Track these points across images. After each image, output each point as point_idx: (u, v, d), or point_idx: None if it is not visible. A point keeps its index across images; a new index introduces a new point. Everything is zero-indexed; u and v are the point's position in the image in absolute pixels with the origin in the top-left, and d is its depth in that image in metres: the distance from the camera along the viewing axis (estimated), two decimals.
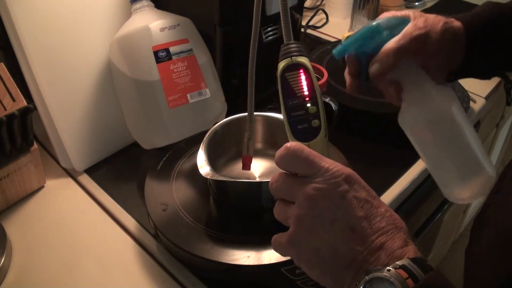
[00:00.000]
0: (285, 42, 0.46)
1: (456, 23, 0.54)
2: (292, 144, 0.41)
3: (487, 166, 0.51)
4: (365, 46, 0.53)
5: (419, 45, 0.52)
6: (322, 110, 0.44)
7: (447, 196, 0.53)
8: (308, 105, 0.44)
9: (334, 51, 0.56)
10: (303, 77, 0.44)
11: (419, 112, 0.52)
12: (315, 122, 0.44)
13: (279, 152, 0.41)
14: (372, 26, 0.54)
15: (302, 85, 0.44)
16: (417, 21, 0.53)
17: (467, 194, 0.51)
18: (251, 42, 0.52)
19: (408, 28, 0.53)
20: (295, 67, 0.44)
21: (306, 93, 0.44)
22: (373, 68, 0.53)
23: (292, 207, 0.41)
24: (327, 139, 0.45)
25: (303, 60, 0.45)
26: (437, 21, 0.54)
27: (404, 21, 0.54)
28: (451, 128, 0.51)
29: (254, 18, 0.50)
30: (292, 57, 0.44)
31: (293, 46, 0.45)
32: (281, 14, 0.45)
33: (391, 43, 0.52)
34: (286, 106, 0.45)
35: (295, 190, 0.40)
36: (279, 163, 0.42)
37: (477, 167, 0.51)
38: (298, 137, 0.44)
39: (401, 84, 0.54)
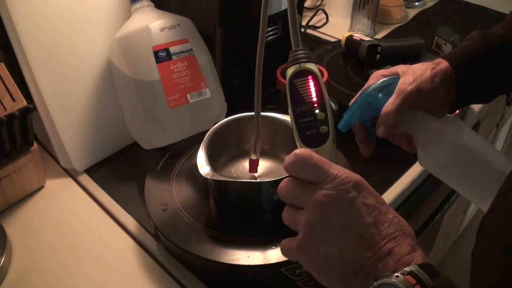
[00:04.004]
0: (293, 48, 0.46)
1: (443, 64, 0.57)
2: (301, 151, 0.41)
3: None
4: (366, 113, 0.57)
5: (414, 98, 0.54)
6: (330, 116, 0.45)
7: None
8: (317, 111, 0.44)
9: (339, 126, 0.58)
10: (311, 84, 0.45)
11: (434, 154, 0.54)
12: (323, 128, 0.44)
13: (288, 158, 0.42)
14: (366, 93, 0.57)
15: (311, 92, 0.45)
16: (406, 77, 0.56)
17: None
18: (258, 45, 0.52)
19: (400, 86, 0.55)
20: (303, 73, 0.45)
21: (314, 99, 0.45)
22: (380, 131, 0.56)
23: (302, 213, 0.41)
24: (335, 145, 0.45)
25: (312, 66, 0.45)
26: (424, 70, 0.56)
27: (395, 79, 0.57)
28: (469, 157, 0.54)
29: (261, 19, 0.50)
30: (301, 64, 0.45)
31: (302, 52, 0.45)
32: (289, 20, 0.45)
33: (388, 105, 0.55)
34: (294, 112, 0.45)
35: (305, 197, 0.41)
36: (288, 170, 0.42)
37: (503, 178, 0.52)
38: (307, 143, 0.45)
39: (411, 134, 0.56)
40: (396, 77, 0.57)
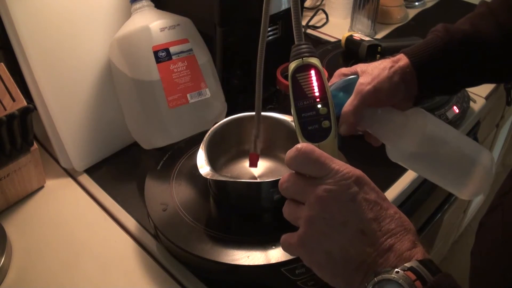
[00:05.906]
0: (296, 42, 0.45)
1: (403, 62, 0.57)
2: (303, 145, 0.41)
3: (481, 159, 0.53)
4: None
5: (372, 98, 0.55)
6: (332, 111, 0.44)
7: (460, 197, 0.55)
8: (319, 106, 0.44)
9: None
10: (314, 78, 0.44)
11: (401, 147, 0.54)
12: (325, 123, 0.44)
13: (290, 153, 0.42)
14: None
15: (313, 86, 0.44)
16: (364, 77, 0.56)
17: (473, 190, 0.53)
18: (259, 43, 0.51)
19: (358, 86, 0.55)
20: (306, 68, 0.44)
21: (317, 94, 0.44)
22: (341, 130, 0.56)
23: (303, 208, 0.41)
24: (337, 140, 0.45)
25: (314, 61, 0.44)
26: (382, 69, 0.56)
27: (354, 79, 0.57)
28: (436, 145, 0.54)
29: (263, 18, 0.50)
30: (303, 58, 0.44)
31: (304, 46, 0.45)
32: (292, 15, 0.45)
33: (347, 106, 0.55)
34: (296, 107, 0.45)
35: (306, 191, 0.41)
36: (289, 164, 0.42)
37: (471, 166, 0.53)
38: (309, 138, 0.44)
39: (374, 130, 0.56)
40: (355, 77, 0.57)
